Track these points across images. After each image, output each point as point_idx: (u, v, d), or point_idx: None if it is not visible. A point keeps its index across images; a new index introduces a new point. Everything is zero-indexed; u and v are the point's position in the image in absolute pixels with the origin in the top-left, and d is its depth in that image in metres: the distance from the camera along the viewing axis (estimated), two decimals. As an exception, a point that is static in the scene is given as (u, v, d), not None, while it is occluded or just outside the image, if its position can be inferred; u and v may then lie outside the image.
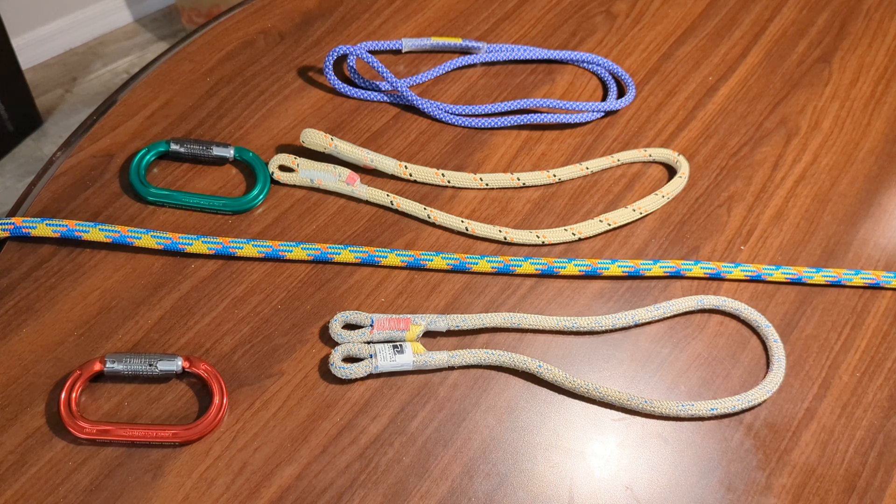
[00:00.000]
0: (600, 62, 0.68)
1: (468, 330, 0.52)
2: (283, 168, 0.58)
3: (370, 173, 0.59)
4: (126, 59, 1.78)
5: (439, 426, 0.48)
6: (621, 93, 0.68)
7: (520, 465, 0.48)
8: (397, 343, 0.50)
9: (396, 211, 0.58)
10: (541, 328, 0.53)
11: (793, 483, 0.49)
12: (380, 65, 0.62)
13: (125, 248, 0.53)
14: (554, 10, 0.73)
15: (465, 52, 0.68)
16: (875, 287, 0.58)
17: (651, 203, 0.60)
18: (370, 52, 0.66)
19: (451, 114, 0.63)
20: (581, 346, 0.53)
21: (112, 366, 0.46)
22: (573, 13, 0.73)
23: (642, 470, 0.48)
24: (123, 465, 0.44)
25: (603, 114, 0.65)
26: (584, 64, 0.69)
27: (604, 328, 0.53)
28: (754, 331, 0.55)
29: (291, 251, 0.53)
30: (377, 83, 0.64)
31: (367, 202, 0.58)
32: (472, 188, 0.60)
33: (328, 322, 0.51)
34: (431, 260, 0.54)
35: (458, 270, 0.55)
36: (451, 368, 0.51)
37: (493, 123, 0.63)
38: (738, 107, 0.68)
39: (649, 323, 0.54)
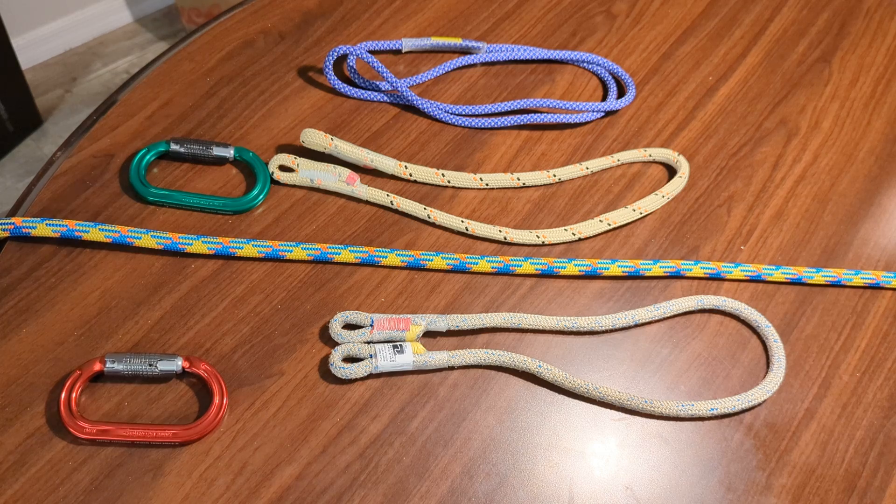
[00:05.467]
0: (600, 62, 0.68)
1: (468, 330, 0.52)
2: (283, 168, 0.58)
3: (370, 173, 0.59)
4: (126, 59, 1.78)
5: (439, 426, 0.48)
6: (621, 93, 0.68)
7: (520, 465, 0.48)
8: (397, 343, 0.50)
9: (396, 211, 0.58)
10: (541, 328, 0.53)
11: (793, 483, 0.49)
12: (380, 65, 0.62)
13: (125, 248, 0.53)
14: (554, 10, 0.73)
15: (465, 52, 0.68)
16: (875, 287, 0.58)
17: (651, 203, 0.60)
18: (370, 52, 0.66)
19: (451, 114, 0.63)
20: (581, 346, 0.53)
21: (112, 366, 0.46)
22: (573, 13, 0.73)
23: (642, 470, 0.48)
24: (123, 465, 0.44)
25: (603, 114, 0.65)
26: (584, 64, 0.69)
27: (604, 328, 0.53)
28: (754, 331, 0.55)
29: (291, 251, 0.53)
30: (377, 83, 0.64)
31: (367, 202, 0.58)
32: (472, 188, 0.60)
33: (328, 322, 0.51)
34: (431, 260, 0.54)
35: (458, 270, 0.55)
36: (451, 368, 0.51)
37: (493, 123, 0.63)
38: (738, 107, 0.68)
39: (649, 323, 0.54)
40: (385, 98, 0.64)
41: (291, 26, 0.68)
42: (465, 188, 0.60)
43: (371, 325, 0.50)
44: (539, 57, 0.69)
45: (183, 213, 0.55)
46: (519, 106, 0.64)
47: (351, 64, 0.64)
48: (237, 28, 0.67)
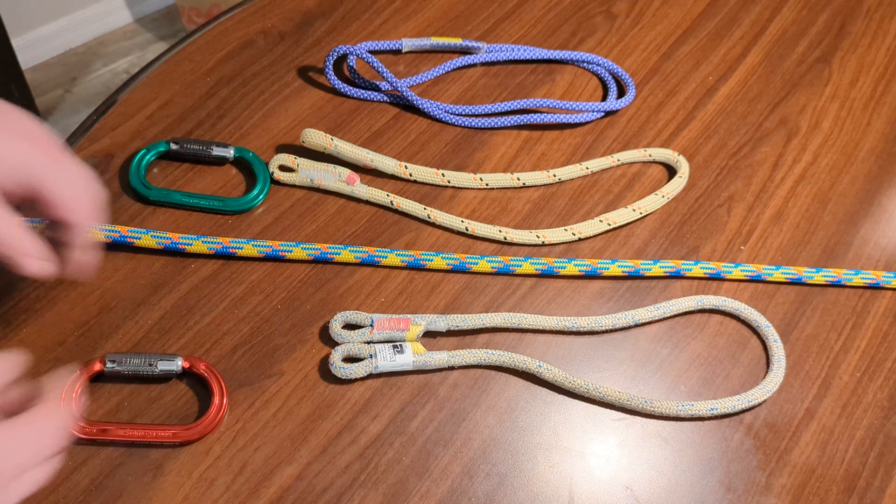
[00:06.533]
0: (600, 62, 0.68)
1: (468, 330, 0.52)
2: (283, 168, 0.58)
3: (370, 173, 0.59)
4: (126, 59, 1.78)
5: (439, 426, 0.48)
6: (621, 93, 0.68)
7: (520, 465, 0.48)
8: (397, 343, 0.50)
9: (396, 211, 0.58)
10: (541, 328, 0.53)
11: (793, 483, 0.49)
12: (380, 65, 0.62)
13: (125, 248, 0.53)
14: (554, 10, 0.73)
15: (465, 52, 0.68)
16: (875, 287, 0.58)
17: (651, 203, 0.60)
18: (370, 52, 0.66)
19: (451, 114, 0.63)
20: (581, 346, 0.53)
21: (112, 366, 0.46)
22: (573, 13, 0.73)
23: (642, 470, 0.48)
24: (123, 465, 0.44)
25: (603, 114, 0.65)
26: (584, 64, 0.69)
27: (604, 328, 0.53)
28: (754, 331, 0.55)
29: (291, 251, 0.53)
30: (377, 83, 0.64)
31: (367, 202, 0.58)
32: (472, 188, 0.60)
33: (328, 322, 0.51)
34: (431, 260, 0.54)
35: (458, 270, 0.55)
36: (451, 368, 0.51)
37: (493, 123, 0.63)
38: (738, 107, 0.68)
39: (649, 323, 0.54)
40: (385, 98, 0.64)
41: (291, 26, 0.68)
42: (465, 188, 0.60)
43: (371, 325, 0.50)
44: (539, 57, 0.69)
45: (183, 213, 0.55)
46: (519, 106, 0.64)
47: (351, 64, 0.64)
48: (237, 28, 0.67)
